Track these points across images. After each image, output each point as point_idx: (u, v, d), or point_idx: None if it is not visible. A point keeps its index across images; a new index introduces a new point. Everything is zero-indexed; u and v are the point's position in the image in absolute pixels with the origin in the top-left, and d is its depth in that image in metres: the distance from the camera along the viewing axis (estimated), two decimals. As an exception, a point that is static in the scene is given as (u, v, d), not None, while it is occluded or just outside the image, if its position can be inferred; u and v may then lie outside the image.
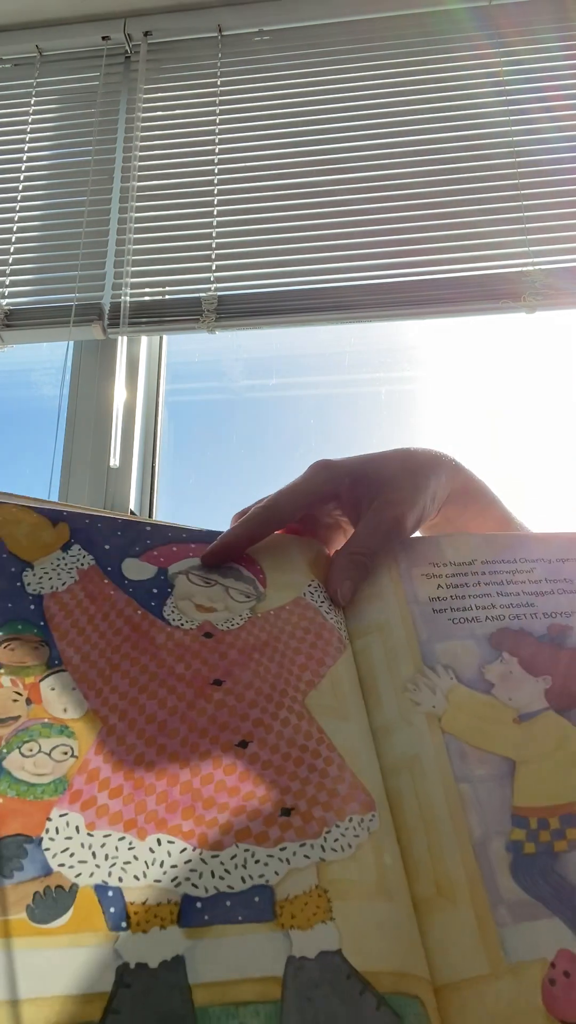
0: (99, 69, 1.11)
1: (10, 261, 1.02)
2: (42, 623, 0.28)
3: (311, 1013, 0.20)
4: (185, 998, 0.19)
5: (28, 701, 0.25)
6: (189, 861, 0.22)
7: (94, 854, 0.22)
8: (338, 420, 1.04)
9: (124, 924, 0.20)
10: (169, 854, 0.22)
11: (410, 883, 0.24)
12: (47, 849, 0.21)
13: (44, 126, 1.10)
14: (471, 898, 0.23)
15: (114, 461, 0.96)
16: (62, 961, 0.20)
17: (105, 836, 0.22)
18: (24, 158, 1.08)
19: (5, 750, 0.23)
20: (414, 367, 1.07)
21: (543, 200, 0.96)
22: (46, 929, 0.20)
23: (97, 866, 0.21)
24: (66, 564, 0.30)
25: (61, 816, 0.22)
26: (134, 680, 0.27)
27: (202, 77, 1.09)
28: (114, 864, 0.21)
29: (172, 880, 0.21)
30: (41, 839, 0.22)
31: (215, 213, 1.01)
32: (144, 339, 1.04)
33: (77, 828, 0.22)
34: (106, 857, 0.22)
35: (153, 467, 0.99)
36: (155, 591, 0.31)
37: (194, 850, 0.22)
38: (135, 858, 0.22)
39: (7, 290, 1.01)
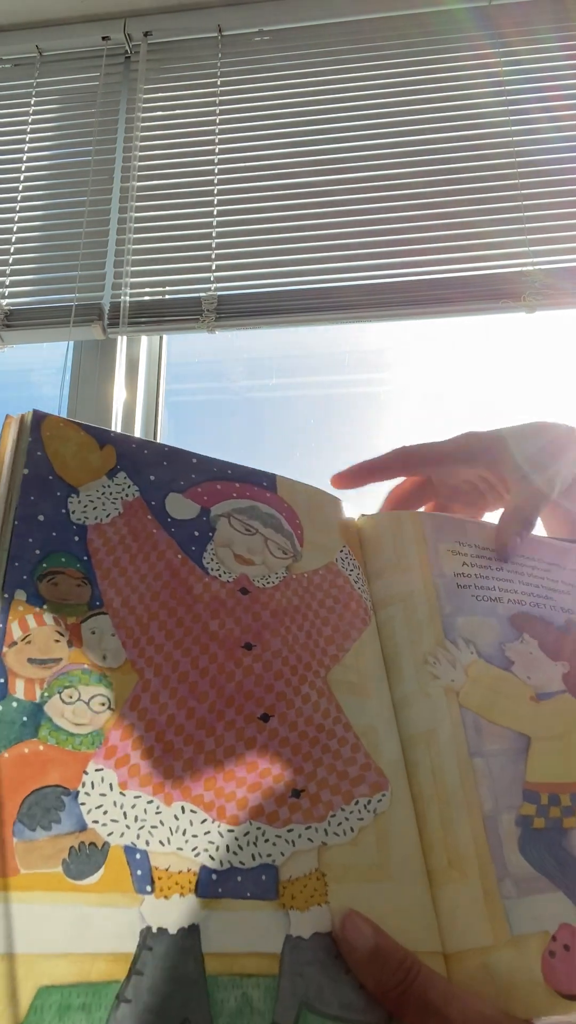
0: (99, 69, 1.11)
1: (10, 261, 1.02)
2: (85, 557, 0.27)
3: (302, 987, 0.21)
4: (198, 965, 0.21)
5: (69, 643, 0.25)
6: (208, 833, 0.23)
7: (125, 814, 0.22)
8: (338, 420, 1.04)
9: (149, 888, 0.21)
10: (191, 823, 0.23)
11: (425, 855, 0.25)
12: (83, 804, 0.22)
13: (44, 126, 1.10)
14: (479, 871, 0.24)
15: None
16: (93, 919, 0.20)
17: (136, 797, 0.23)
18: (24, 158, 1.08)
19: (47, 694, 0.24)
20: (414, 367, 1.07)
21: (543, 200, 0.96)
22: (80, 886, 0.21)
23: (127, 827, 0.22)
24: (111, 493, 0.29)
25: (97, 771, 0.23)
26: (170, 633, 0.27)
27: (202, 77, 1.09)
28: (142, 827, 0.22)
29: (192, 850, 0.22)
30: (77, 792, 0.22)
31: (215, 213, 1.01)
32: (144, 339, 1.04)
33: (111, 785, 0.23)
34: (135, 819, 0.22)
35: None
36: (196, 534, 0.30)
37: (213, 822, 0.23)
38: (161, 823, 0.22)
39: (7, 290, 1.01)
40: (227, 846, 0.23)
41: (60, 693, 0.24)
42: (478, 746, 0.26)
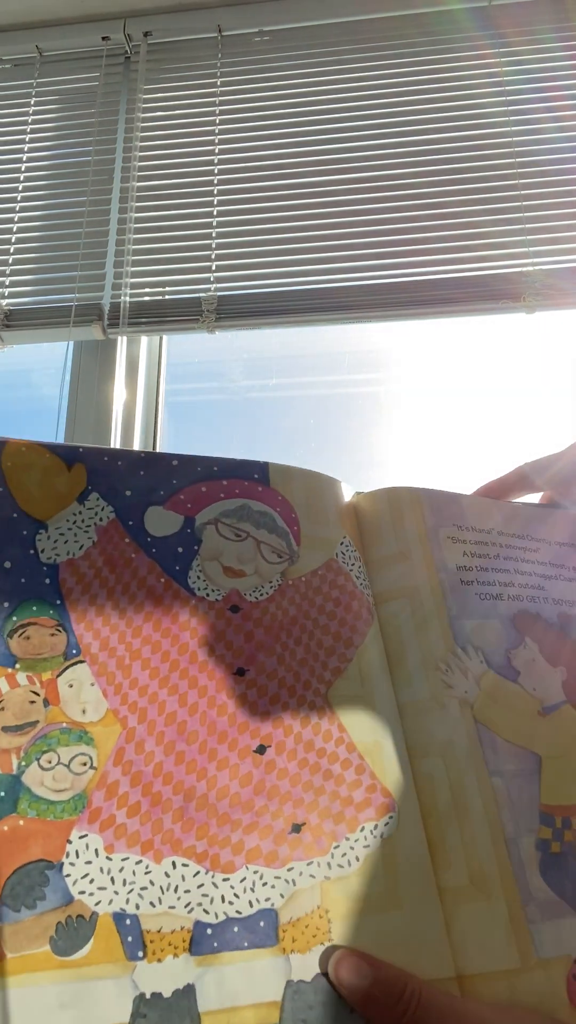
0: (99, 69, 1.11)
1: (10, 261, 1.02)
2: (58, 601, 0.25)
3: None
4: None
5: (46, 702, 0.24)
6: (202, 886, 0.22)
7: (112, 879, 0.21)
8: (338, 420, 1.04)
9: (141, 954, 0.21)
10: (183, 878, 0.22)
11: (439, 871, 0.24)
12: (68, 875, 0.21)
13: (44, 126, 1.10)
14: (504, 893, 0.24)
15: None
16: (85, 994, 0.20)
17: (123, 860, 0.22)
18: (24, 158, 1.08)
19: (24, 763, 0.23)
20: (414, 367, 1.07)
21: (543, 200, 0.96)
22: (69, 961, 0.20)
23: (116, 892, 0.21)
24: (83, 521, 0.27)
25: (81, 838, 0.22)
26: (155, 671, 0.25)
27: (202, 77, 1.09)
28: (131, 890, 0.21)
29: (185, 906, 0.22)
30: (62, 864, 0.21)
31: (215, 213, 1.01)
32: (144, 339, 1.04)
33: (96, 852, 0.22)
34: (124, 883, 0.22)
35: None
36: (180, 550, 0.28)
37: (207, 873, 0.22)
38: (151, 883, 0.22)
39: (7, 290, 1.01)
40: (222, 896, 0.22)
41: (38, 759, 0.23)
42: (496, 765, 0.26)
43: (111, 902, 0.21)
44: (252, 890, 0.22)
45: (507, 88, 1.01)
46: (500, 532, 0.33)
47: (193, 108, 1.08)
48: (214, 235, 1.00)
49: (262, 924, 0.22)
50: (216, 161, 1.04)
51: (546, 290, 0.91)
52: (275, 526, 0.30)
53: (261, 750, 0.25)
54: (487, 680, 0.28)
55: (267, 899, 0.22)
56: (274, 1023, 0.20)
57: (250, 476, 0.31)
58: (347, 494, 0.33)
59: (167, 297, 0.99)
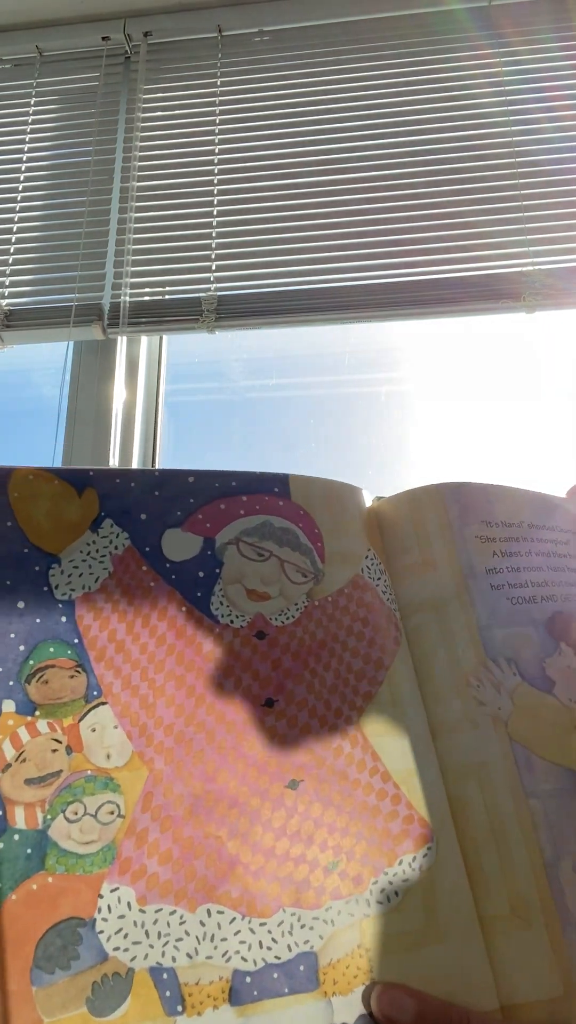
0: (99, 69, 1.11)
1: (10, 261, 1.02)
2: (76, 640, 0.24)
3: None
4: None
5: (68, 749, 0.23)
6: (239, 932, 0.21)
7: (147, 933, 0.21)
8: (338, 420, 1.04)
9: (180, 1008, 0.20)
10: (219, 926, 0.21)
11: (479, 900, 0.23)
12: (101, 932, 0.20)
13: (44, 126, 1.10)
14: (544, 920, 0.23)
15: (114, 461, 0.96)
16: None
17: (156, 911, 0.21)
18: (24, 158, 1.08)
19: (50, 816, 0.22)
20: (414, 367, 1.07)
21: (543, 200, 0.96)
22: (107, 1022, 0.19)
23: (151, 946, 0.21)
24: (98, 551, 0.26)
25: (113, 891, 0.21)
26: (180, 708, 0.24)
27: (202, 77, 1.09)
28: (167, 943, 0.21)
29: (223, 955, 0.21)
30: (94, 920, 0.21)
31: (215, 213, 1.01)
32: (144, 339, 1.04)
33: (129, 904, 0.21)
34: (159, 935, 0.21)
35: (153, 467, 0.99)
36: (201, 575, 0.26)
37: (243, 919, 0.21)
38: (187, 934, 0.21)
39: (7, 290, 1.01)
40: (260, 942, 0.21)
41: (64, 811, 0.22)
42: (532, 785, 0.25)
43: (147, 956, 0.20)
44: (290, 933, 0.22)
45: (507, 88, 1.01)
46: (531, 525, 0.31)
47: (193, 108, 1.08)
48: (214, 235, 1.00)
49: (302, 968, 0.21)
50: (216, 161, 1.04)
51: (546, 290, 0.91)
52: (298, 543, 0.29)
53: (293, 785, 0.24)
54: (521, 693, 0.27)
55: (306, 942, 0.22)
56: None
57: (270, 490, 0.29)
58: (368, 501, 0.32)
59: (167, 297, 0.99)
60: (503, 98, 1.01)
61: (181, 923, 0.21)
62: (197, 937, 0.21)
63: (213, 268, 0.98)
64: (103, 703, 0.24)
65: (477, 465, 0.95)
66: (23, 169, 1.08)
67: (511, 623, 0.28)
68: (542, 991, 0.22)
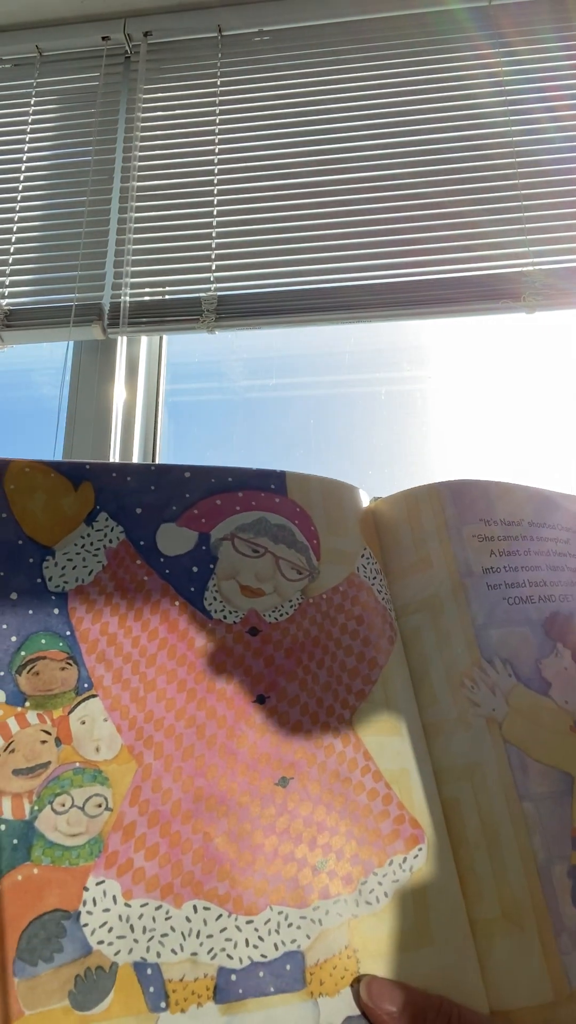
0: (99, 69, 1.11)
1: (10, 261, 1.02)
2: (68, 632, 0.24)
3: None
4: None
5: (58, 741, 0.23)
6: (225, 930, 0.21)
7: (132, 927, 0.21)
8: (338, 420, 1.04)
9: (163, 1004, 0.20)
10: (205, 923, 0.21)
11: (470, 903, 0.23)
12: (85, 925, 0.20)
13: (44, 126, 1.10)
14: (537, 924, 0.22)
15: (114, 460, 0.96)
16: None
17: (142, 906, 0.21)
18: (24, 158, 1.08)
19: (37, 807, 0.22)
20: (414, 367, 1.07)
21: (543, 200, 0.96)
22: (89, 1016, 0.19)
23: (135, 941, 0.20)
24: (92, 544, 0.26)
25: (98, 884, 0.21)
26: (171, 703, 0.24)
27: (202, 77, 1.09)
28: (152, 938, 0.21)
29: (208, 952, 0.21)
30: (79, 913, 0.20)
31: (215, 213, 1.01)
32: (144, 339, 1.04)
33: (114, 898, 0.21)
34: (144, 930, 0.21)
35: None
36: (195, 569, 0.26)
37: (229, 916, 0.21)
38: (172, 929, 0.21)
39: (7, 290, 1.01)
40: (246, 940, 0.21)
41: (51, 803, 0.22)
42: (526, 788, 0.25)
43: (131, 951, 0.20)
44: (277, 932, 0.21)
45: (507, 88, 1.01)
46: (532, 523, 0.31)
47: (193, 108, 1.08)
48: (214, 235, 1.00)
49: (288, 968, 0.21)
50: (216, 161, 1.04)
51: (546, 290, 0.91)
52: (294, 541, 0.29)
53: (284, 782, 0.24)
54: (516, 695, 0.27)
55: (293, 941, 0.21)
56: None
57: (267, 487, 0.29)
58: (365, 501, 0.32)
59: (167, 297, 0.99)
60: (503, 98, 1.01)
61: (167, 919, 0.21)
62: (183, 933, 0.21)
63: (213, 268, 0.98)
64: (93, 696, 0.24)
65: (477, 465, 0.95)
66: (23, 169, 1.08)
67: (508, 623, 0.28)
68: (532, 996, 0.22)
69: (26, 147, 1.09)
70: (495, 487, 0.32)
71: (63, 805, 0.22)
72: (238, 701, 0.25)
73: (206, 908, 0.21)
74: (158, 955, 0.20)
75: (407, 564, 0.30)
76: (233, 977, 0.21)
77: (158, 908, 0.21)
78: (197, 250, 1.00)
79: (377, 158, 1.01)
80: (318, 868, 0.22)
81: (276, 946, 0.21)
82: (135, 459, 0.97)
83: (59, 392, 1.01)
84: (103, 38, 1.11)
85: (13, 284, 1.01)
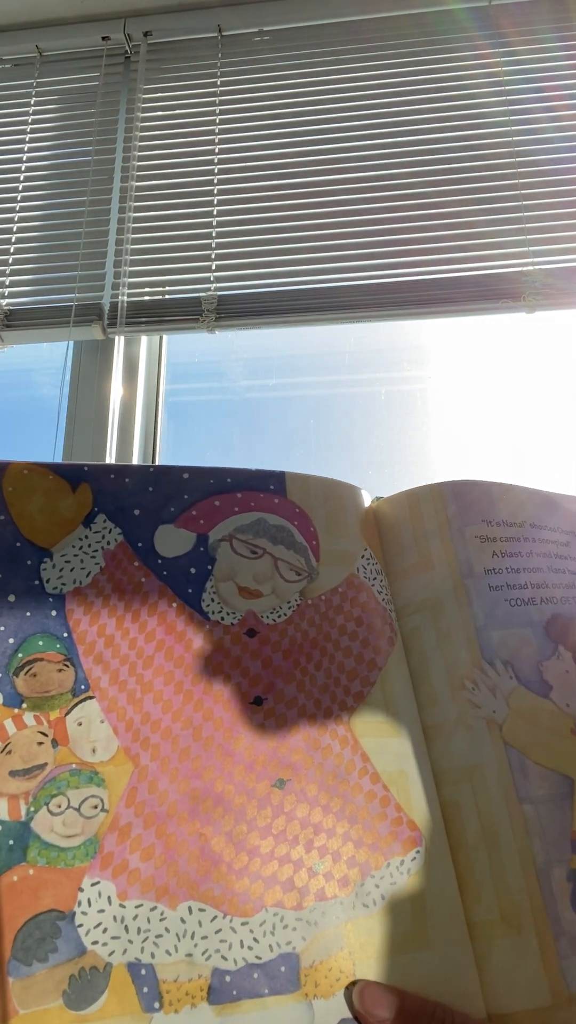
0: (99, 69, 1.11)
1: (10, 261, 1.02)
2: (65, 634, 0.24)
3: None
4: None
5: (54, 743, 0.23)
6: (220, 931, 0.21)
7: (126, 928, 0.21)
8: (337, 420, 1.04)
9: (157, 1005, 0.20)
10: (200, 924, 0.21)
11: (469, 905, 0.23)
12: (80, 925, 0.20)
13: (44, 126, 1.10)
14: (535, 927, 0.22)
15: (113, 461, 0.96)
16: None
17: (137, 907, 0.21)
18: (24, 158, 1.08)
19: (33, 809, 0.22)
20: (414, 367, 1.07)
21: (543, 200, 0.96)
22: (83, 1016, 0.19)
23: (130, 941, 0.20)
24: (90, 546, 0.26)
25: (93, 885, 0.21)
26: (167, 704, 0.24)
27: (202, 77, 1.09)
28: (146, 939, 0.21)
29: (203, 953, 0.21)
30: (74, 913, 0.21)
31: (215, 213, 1.01)
32: (144, 339, 1.04)
33: (109, 899, 0.21)
34: (138, 931, 0.21)
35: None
36: (193, 571, 0.26)
37: (224, 918, 0.21)
38: (167, 930, 0.21)
39: (7, 290, 1.01)
40: (241, 941, 0.21)
41: (47, 804, 0.22)
42: (526, 790, 0.24)
43: (125, 951, 0.20)
44: (272, 933, 0.21)
45: (507, 88, 1.01)
46: (532, 525, 0.31)
47: (193, 108, 1.08)
48: (214, 235, 1.00)
49: (283, 969, 0.21)
50: (216, 161, 1.04)
51: (546, 290, 0.91)
52: (293, 542, 0.28)
53: (281, 784, 0.24)
54: (517, 697, 0.26)
55: (288, 943, 0.21)
56: None
57: (266, 487, 0.29)
58: (366, 501, 0.32)
59: (167, 297, 0.99)
60: (503, 98, 1.01)
61: (161, 920, 0.21)
62: (177, 934, 0.21)
63: (213, 268, 0.98)
64: (90, 697, 0.24)
65: (477, 465, 0.95)
66: (23, 169, 1.08)
67: (509, 624, 0.28)
68: (530, 1000, 0.21)
69: (26, 147, 1.09)
70: (497, 487, 0.32)
71: (59, 806, 0.22)
72: (235, 703, 0.25)
73: (201, 909, 0.21)
74: (152, 956, 0.21)
75: (408, 564, 0.30)
76: (228, 978, 0.21)
77: (153, 909, 0.21)
78: (197, 250, 1.00)
79: (377, 158, 1.01)
80: (315, 870, 0.22)
81: (271, 948, 0.21)
82: (135, 459, 0.97)
83: (59, 392, 1.01)
84: (103, 38, 1.11)
85: (13, 284, 1.01)
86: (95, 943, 0.20)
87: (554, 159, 0.97)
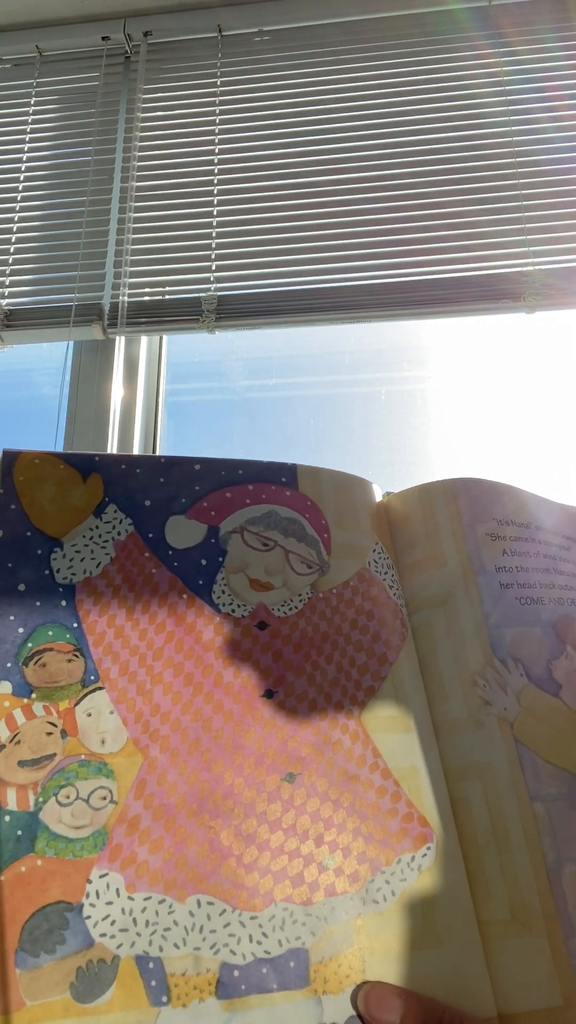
0: (99, 69, 1.11)
1: (10, 261, 1.02)
2: (75, 624, 0.24)
3: None
4: None
5: (63, 733, 0.23)
6: (228, 925, 0.21)
7: (135, 920, 0.20)
8: (338, 420, 1.04)
9: (165, 999, 0.20)
10: (208, 917, 0.21)
11: (479, 904, 0.23)
12: (88, 917, 0.20)
13: (44, 126, 1.10)
14: (546, 927, 0.22)
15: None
16: None
17: (145, 899, 0.21)
18: (24, 158, 1.08)
19: (42, 799, 0.22)
20: (414, 367, 1.07)
21: (543, 200, 0.96)
22: (91, 1008, 0.19)
23: (138, 934, 0.20)
24: (100, 536, 0.26)
25: (101, 877, 0.21)
26: (177, 696, 0.24)
27: (202, 77, 1.09)
28: (154, 931, 0.20)
29: (211, 947, 0.21)
30: (82, 905, 0.20)
31: (215, 213, 1.01)
32: (144, 339, 1.04)
33: (117, 891, 0.21)
34: (147, 924, 0.20)
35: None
36: (204, 562, 0.26)
37: (233, 911, 0.21)
38: (175, 923, 0.21)
39: (7, 290, 1.01)
40: (250, 936, 0.21)
41: (56, 795, 0.22)
42: (537, 789, 0.24)
43: (133, 944, 0.20)
44: (281, 928, 0.21)
45: (507, 88, 1.01)
46: (538, 527, 0.31)
47: (193, 108, 1.08)
48: (214, 235, 1.00)
49: (292, 964, 0.21)
50: (216, 161, 1.04)
51: (546, 290, 0.91)
52: (304, 534, 0.28)
53: (290, 778, 0.23)
54: (527, 695, 0.26)
55: (297, 938, 0.21)
56: None
57: (277, 480, 0.29)
58: (378, 495, 0.32)
59: (167, 297, 0.99)
60: (503, 98, 1.01)
61: (170, 912, 0.21)
62: (186, 927, 0.21)
63: (213, 268, 0.98)
64: (100, 688, 0.24)
65: (477, 465, 0.95)
66: (23, 169, 1.08)
67: (519, 623, 0.28)
68: (541, 1000, 0.21)
69: (26, 147, 1.09)
70: (503, 487, 0.32)
71: (68, 797, 0.22)
72: (245, 695, 0.24)
73: (210, 903, 0.21)
74: (160, 949, 0.20)
75: (419, 559, 0.29)
76: (236, 973, 0.20)
77: (161, 902, 0.21)
78: (197, 250, 1.00)
79: (377, 158, 1.01)
80: (325, 865, 0.22)
81: (280, 943, 0.21)
82: (135, 459, 0.97)
83: (59, 392, 1.01)
84: (103, 38, 1.11)
85: (13, 284, 1.01)
86: (103, 935, 0.20)
87: (554, 159, 0.97)
